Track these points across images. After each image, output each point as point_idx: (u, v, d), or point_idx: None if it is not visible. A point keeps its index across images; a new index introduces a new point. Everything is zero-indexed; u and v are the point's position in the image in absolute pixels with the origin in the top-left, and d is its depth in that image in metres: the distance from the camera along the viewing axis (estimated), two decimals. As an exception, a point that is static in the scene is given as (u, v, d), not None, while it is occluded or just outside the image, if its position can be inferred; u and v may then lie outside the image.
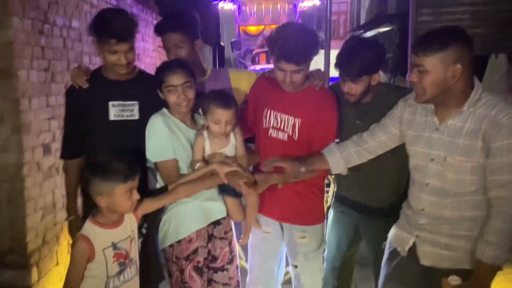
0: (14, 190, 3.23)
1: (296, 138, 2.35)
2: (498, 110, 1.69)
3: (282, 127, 2.38)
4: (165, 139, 2.22)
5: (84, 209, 2.43)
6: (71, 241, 2.47)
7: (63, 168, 2.49)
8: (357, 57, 2.20)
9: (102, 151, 2.26)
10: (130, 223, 2.01)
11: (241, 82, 2.58)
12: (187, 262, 2.27)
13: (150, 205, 2.11)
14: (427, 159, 1.92)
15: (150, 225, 2.25)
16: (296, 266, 2.49)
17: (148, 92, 2.32)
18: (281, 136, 2.39)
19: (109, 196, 1.86)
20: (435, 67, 1.75)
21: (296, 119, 2.33)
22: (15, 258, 3.29)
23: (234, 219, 2.43)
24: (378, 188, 2.41)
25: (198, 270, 2.29)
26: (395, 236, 2.09)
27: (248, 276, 2.72)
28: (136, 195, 1.93)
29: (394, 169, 2.32)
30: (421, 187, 1.93)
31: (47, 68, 3.53)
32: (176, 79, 2.21)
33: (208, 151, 2.29)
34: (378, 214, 2.42)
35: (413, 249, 1.99)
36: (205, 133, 2.27)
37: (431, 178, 1.90)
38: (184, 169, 2.27)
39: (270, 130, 2.42)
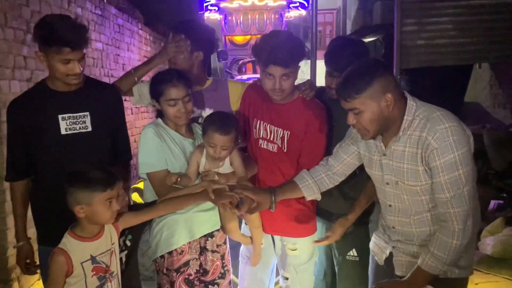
0: (-6, 204, 3.16)
1: (285, 150, 2.33)
2: (428, 131, 1.72)
3: (271, 138, 2.36)
4: (156, 150, 2.19)
5: (38, 235, 2.29)
6: (20, 271, 2.41)
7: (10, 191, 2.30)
8: (346, 52, 2.25)
9: (55, 168, 2.16)
10: (111, 235, 1.97)
11: (238, 93, 2.54)
12: (178, 274, 2.23)
13: (131, 219, 2.07)
14: (382, 182, 1.97)
15: (134, 238, 2.20)
16: (286, 278, 2.46)
17: (98, 101, 2.24)
18: (271, 147, 2.37)
19: (88, 205, 1.82)
20: (368, 105, 1.77)
21: (285, 131, 2.32)
22: (-5, 273, 3.21)
23: (226, 232, 2.38)
24: (342, 196, 2.41)
25: (189, 283, 2.24)
26: (374, 245, 2.11)
27: (238, 287, 2.67)
28: (115, 205, 1.89)
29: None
30: (385, 207, 1.99)
31: (30, 78, 3.47)
32: (177, 93, 2.18)
33: (202, 168, 2.25)
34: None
35: (389, 259, 2.00)
36: (205, 150, 2.25)
37: (391, 200, 1.94)
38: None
39: (260, 141, 2.41)
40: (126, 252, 2.18)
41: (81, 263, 1.83)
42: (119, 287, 1.98)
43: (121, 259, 2.14)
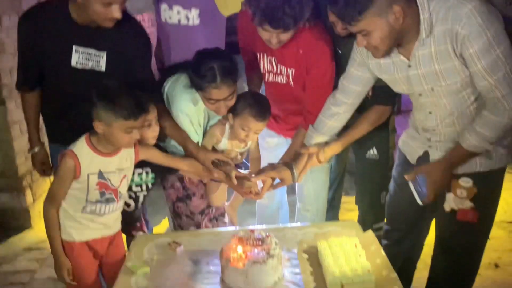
0: (-4, 114, 3.15)
1: (292, 85, 2.20)
2: (452, 20, 1.57)
3: (279, 71, 2.21)
4: (188, 124, 2.09)
5: (48, 134, 2.27)
6: (37, 174, 2.45)
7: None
8: None
9: (61, 98, 2.09)
10: (127, 158, 1.95)
11: None
12: (203, 216, 2.29)
13: (156, 155, 2.04)
14: (415, 95, 1.85)
15: (157, 181, 2.21)
16: None
17: (121, 40, 2.00)
18: (279, 79, 2.21)
19: (108, 126, 1.78)
20: (375, 24, 1.61)
21: (289, 69, 2.16)
22: (7, 182, 3.31)
23: (215, 203, 2.33)
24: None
25: (213, 220, 2.32)
26: (405, 145, 2.05)
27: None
28: (136, 135, 1.83)
29: None
30: (426, 115, 1.88)
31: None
32: (219, 95, 1.97)
33: (225, 145, 2.18)
34: None
35: (422, 158, 1.96)
36: (227, 126, 2.14)
37: (430, 108, 1.84)
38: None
39: (267, 75, 2.27)
40: (145, 193, 2.19)
41: (88, 174, 1.84)
42: (120, 209, 2.01)
43: (138, 197, 2.17)
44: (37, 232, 3.33)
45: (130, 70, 2.06)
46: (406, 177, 1.87)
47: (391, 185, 2.16)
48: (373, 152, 2.44)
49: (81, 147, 1.83)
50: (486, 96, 1.64)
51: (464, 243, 1.90)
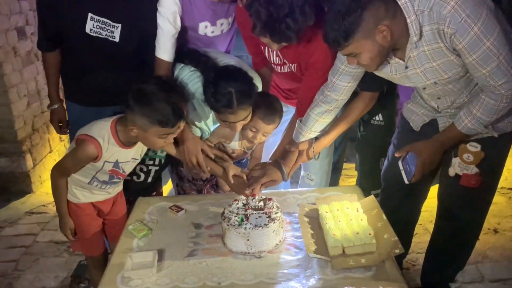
0: (-7, 78, 3.11)
1: (299, 74, 2.12)
2: (437, 20, 1.52)
3: (283, 62, 2.11)
4: (197, 117, 2.06)
5: (65, 92, 2.30)
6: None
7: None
8: None
9: (78, 61, 2.10)
10: (141, 148, 1.95)
11: None
12: (205, 182, 2.29)
13: (168, 147, 2.03)
14: (417, 89, 1.81)
15: (168, 159, 2.21)
16: None
17: (136, 11, 1.99)
18: (286, 69, 2.13)
19: (143, 131, 1.75)
20: (363, 46, 1.57)
21: (291, 64, 2.08)
22: (6, 146, 3.29)
23: (226, 189, 2.25)
24: None
25: (214, 187, 2.32)
26: (411, 112, 2.00)
27: None
28: (170, 140, 1.80)
29: None
30: (435, 99, 1.84)
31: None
32: (234, 118, 1.89)
33: (234, 145, 2.15)
34: None
35: (428, 125, 1.92)
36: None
37: (437, 95, 1.80)
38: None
39: (275, 67, 2.17)
40: (157, 168, 2.19)
41: (105, 161, 1.83)
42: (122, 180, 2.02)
43: (150, 171, 2.18)
44: (38, 196, 3.34)
45: (143, 44, 2.05)
46: (396, 154, 1.85)
47: (390, 151, 2.14)
48: (378, 118, 2.41)
49: (107, 139, 1.80)
50: (483, 84, 1.62)
51: (466, 209, 1.90)
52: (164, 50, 2.01)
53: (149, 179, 2.20)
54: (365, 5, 1.53)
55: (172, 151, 2.06)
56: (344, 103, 2.01)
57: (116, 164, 1.86)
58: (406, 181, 1.78)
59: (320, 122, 2.05)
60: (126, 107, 1.75)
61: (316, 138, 2.10)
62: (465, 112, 1.68)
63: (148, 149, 2.04)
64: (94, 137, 1.77)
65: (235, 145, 2.17)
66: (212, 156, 2.07)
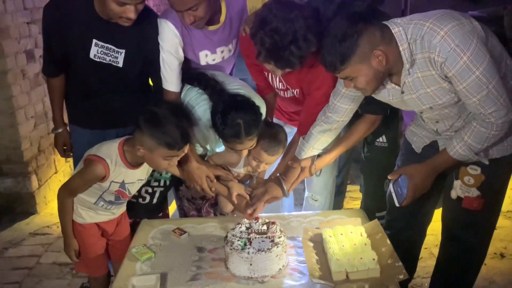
0: (1, 99, 3.14)
1: (302, 99, 2.15)
2: (429, 49, 1.56)
3: (286, 88, 2.15)
4: (203, 140, 2.09)
5: (69, 115, 2.32)
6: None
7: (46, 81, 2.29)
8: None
9: (82, 86, 2.13)
10: (147, 169, 1.98)
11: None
12: (204, 201, 2.30)
13: (172, 168, 2.03)
14: (416, 111, 1.85)
15: (174, 180, 2.23)
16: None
17: (139, 37, 2.00)
18: (290, 94, 2.16)
19: (149, 151, 1.77)
20: (359, 70, 1.61)
21: (294, 90, 2.10)
22: (13, 167, 3.31)
23: (225, 210, 2.28)
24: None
25: (213, 206, 2.32)
26: (413, 134, 2.02)
27: None
28: (175, 162, 1.84)
29: None
30: (434, 123, 1.87)
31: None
32: (242, 147, 1.93)
33: (239, 171, 2.18)
34: None
35: (429, 146, 1.94)
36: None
37: (435, 118, 1.83)
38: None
39: (279, 92, 2.20)
40: (162, 189, 2.21)
41: (111, 181, 1.86)
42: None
43: (155, 192, 2.20)
44: (42, 217, 3.35)
45: (146, 69, 2.08)
46: (388, 176, 1.87)
47: None
48: (382, 140, 2.42)
49: (115, 159, 1.84)
50: (474, 111, 1.64)
51: (470, 231, 1.89)
52: (171, 82, 2.04)
53: (154, 200, 2.21)
54: (361, 31, 1.57)
55: (176, 172, 2.08)
56: (345, 124, 2.04)
57: (123, 184, 1.89)
58: (397, 204, 1.79)
59: (322, 140, 2.07)
60: (136, 127, 1.79)
61: (319, 156, 2.11)
62: (456, 138, 1.71)
63: (153, 171, 2.06)
64: (103, 157, 1.81)
65: (240, 170, 2.18)
66: (215, 181, 2.08)
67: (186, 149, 1.83)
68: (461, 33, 1.53)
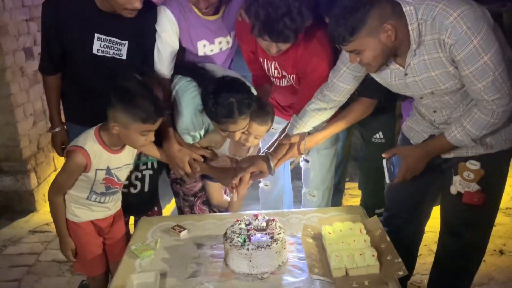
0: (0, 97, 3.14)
1: (297, 87, 2.16)
2: (439, 30, 1.55)
3: (282, 75, 2.15)
4: (191, 127, 2.05)
5: (66, 113, 2.31)
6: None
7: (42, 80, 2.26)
8: None
9: (82, 83, 2.10)
10: (131, 153, 1.97)
11: None
12: (196, 199, 2.30)
13: (152, 150, 2.04)
14: (416, 97, 1.84)
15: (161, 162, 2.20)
16: (307, 161, 2.47)
17: (140, 28, 2.00)
18: (285, 82, 2.18)
19: (124, 128, 1.76)
20: (367, 43, 1.59)
21: (290, 76, 2.11)
22: (12, 165, 3.31)
23: (213, 201, 2.30)
24: None
25: (206, 203, 2.32)
26: (410, 129, 2.02)
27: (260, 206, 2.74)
28: (151, 137, 1.82)
29: None
30: (431, 112, 1.86)
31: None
32: (235, 128, 1.91)
33: (224, 151, 2.15)
34: None
35: (427, 141, 1.91)
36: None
37: (434, 107, 1.83)
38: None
39: (274, 80, 2.22)
40: (151, 172, 2.21)
41: (96, 170, 1.85)
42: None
43: (144, 176, 2.19)
44: (41, 215, 3.34)
45: (148, 59, 2.08)
46: (383, 154, 1.87)
47: None
48: (379, 136, 2.43)
49: (92, 144, 1.83)
50: (476, 98, 1.64)
51: (469, 227, 1.88)
52: (161, 67, 2.07)
53: (146, 188, 2.20)
54: (372, 2, 1.55)
55: (156, 153, 2.07)
56: (341, 104, 2.04)
57: (109, 171, 1.87)
58: (388, 181, 1.82)
59: (316, 118, 2.07)
60: (108, 105, 1.77)
61: (309, 134, 2.10)
62: (456, 123, 1.71)
63: (140, 153, 2.06)
64: (80, 145, 1.81)
65: (225, 150, 2.17)
66: (202, 160, 2.08)
67: (159, 122, 1.81)
68: (473, 17, 1.52)
